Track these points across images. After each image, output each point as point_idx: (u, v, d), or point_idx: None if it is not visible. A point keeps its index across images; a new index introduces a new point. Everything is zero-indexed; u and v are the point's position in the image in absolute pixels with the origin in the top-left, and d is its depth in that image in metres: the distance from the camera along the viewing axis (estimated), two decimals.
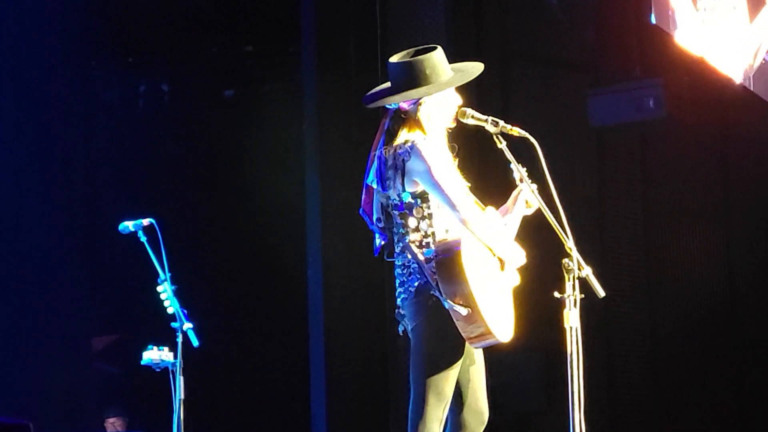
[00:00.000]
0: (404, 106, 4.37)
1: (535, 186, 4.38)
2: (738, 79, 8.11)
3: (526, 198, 4.48)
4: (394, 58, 4.38)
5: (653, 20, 7.47)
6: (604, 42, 8.49)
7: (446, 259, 4.15)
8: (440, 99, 4.35)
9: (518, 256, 4.39)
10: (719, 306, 8.85)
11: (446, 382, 4.20)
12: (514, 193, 4.52)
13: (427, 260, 4.20)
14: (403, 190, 4.26)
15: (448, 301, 4.12)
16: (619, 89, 8.20)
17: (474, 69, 4.46)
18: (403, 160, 4.24)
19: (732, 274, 8.93)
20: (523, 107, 8.11)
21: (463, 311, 4.11)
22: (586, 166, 8.49)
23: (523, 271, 4.51)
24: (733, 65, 8.08)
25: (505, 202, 4.60)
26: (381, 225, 4.34)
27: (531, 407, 8.00)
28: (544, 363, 7.95)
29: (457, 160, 4.41)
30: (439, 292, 4.14)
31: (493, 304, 4.20)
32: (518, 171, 4.34)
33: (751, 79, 8.22)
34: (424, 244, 4.23)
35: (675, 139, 8.56)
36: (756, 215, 8.91)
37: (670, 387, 8.62)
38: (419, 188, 4.25)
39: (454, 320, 4.14)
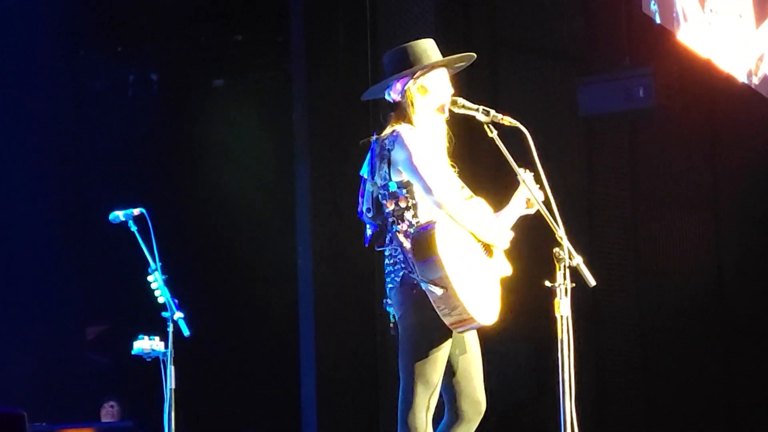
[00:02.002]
0: (395, 96, 4.39)
1: (524, 175, 4.38)
2: (741, 78, 8.14)
3: (527, 197, 4.43)
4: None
5: (658, 20, 7.50)
6: (594, 31, 8.50)
7: (420, 239, 4.17)
8: (427, 85, 4.35)
9: (501, 239, 4.37)
10: (708, 294, 8.87)
11: (433, 370, 4.21)
12: (515, 193, 4.47)
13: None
14: (390, 180, 4.28)
15: (424, 281, 4.13)
16: (608, 78, 8.21)
17: (462, 57, 4.46)
18: (388, 149, 4.27)
19: (720, 262, 8.96)
20: (512, 96, 8.11)
21: (438, 291, 4.11)
22: (576, 155, 8.50)
23: (513, 259, 4.51)
24: (735, 65, 8.12)
25: (496, 194, 4.59)
26: (370, 215, 4.35)
27: (521, 395, 8.02)
28: (533, 351, 7.97)
29: (450, 156, 4.42)
30: (416, 273, 4.15)
31: (473, 286, 4.19)
32: (525, 170, 4.32)
33: (755, 87, 8.25)
34: (409, 233, 4.24)
35: (664, 128, 8.58)
36: (744, 204, 8.94)
37: (659, 374, 8.65)
38: (404, 177, 4.27)
39: (432, 303, 4.14)
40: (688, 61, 8.16)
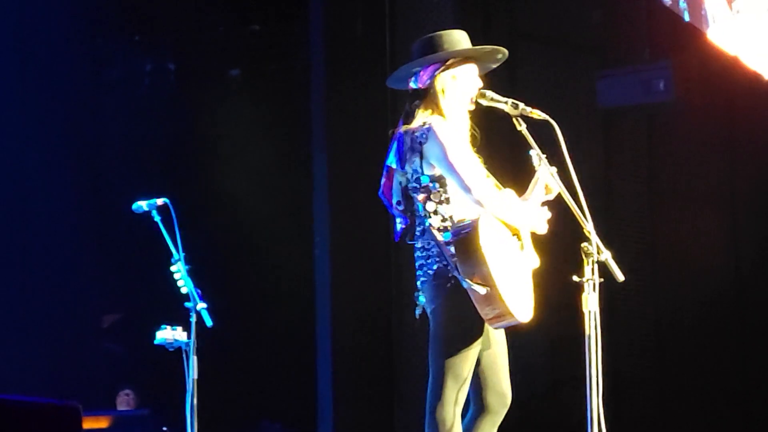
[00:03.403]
0: (422, 82, 4.34)
1: (554, 169, 4.36)
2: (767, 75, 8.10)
3: (546, 183, 4.42)
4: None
5: (687, 18, 7.47)
6: (614, 23, 8.46)
7: (464, 239, 4.15)
8: (457, 74, 4.33)
9: (540, 222, 4.36)
10: (725, 290, 8.84)
11: (464, 364, 4.19)
12: (534, 180, 4.46)
13: (447, 243, 4.19)
14: (422, 173, 4.24)
15: (467, 280, 4.11)
16: (628, 71, 8.18)
17: (495, 51, 4.44)
18: (420, 142, 4.23)
19: (738, 257, 8.93)
20: (530, 88, 8.07)
21: (482, 290, 4.10)
22: (593, 147, 8.47)
23: (538, 253, 4.49)
24: (763, 62, 8.08)
25: (517, 185, 4.57)
26: (401, 208, 4.32)
27: (536, 389, 8.01)
28: (550, 344, 7.96)
29: (475, 148, 4.40)
30: (458, 272, 4.12)
31: (512, 284, 4.18)
32: (539, 155, 4.31)
33: None
34: (442, 227, 4.22)
35: (683, 122, 8.54)
36: (763, 199, 8.90)
37: (675, 371, 8.62)
38: (437, 171, 4.24)
39: (473, 301, 4.12)
40: (708, 55, 8.12)
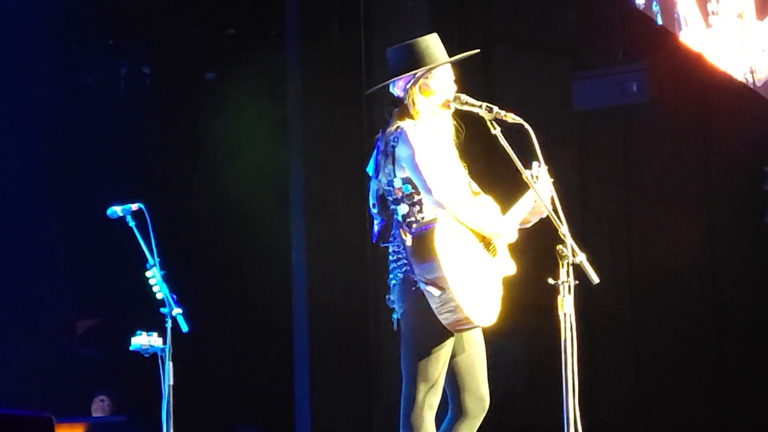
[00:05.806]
0: (398, 92, 4.38)
1: (528, 172, 4.37)
2: (739, 76, 8.17)
3: (536, 199, 4.38)
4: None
5: (660, 21, 7.53)
6: (588, 26, 8.51)
7: (420, 240, 4.16)
8: (430, 84, 4.34)
9: (505, 232, 4.35)
10: (701, 288, 8.89)
11: (435, 367, 4.19)
12: (526, 195, 4.44)
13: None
14: (395, 176, 4.26)
15: (422, 281, 4.12)
16: (602, 73, 8.23)
17: (463, 53, 4.47)
18: (393, 146, 4.26)
19: (713, 256, 8.98)
20: (506, 91, 8.10)
21: (436, 292, 4.10)
22: (569, 149, 8.50)
23: (514, 255, 4.50)
24: (734, 65, 8.15)
25: (504, 191, 4.56)
26: (376, 210, 4.34)
27: (513, 390, 8.02)
28: (527, 347, 7.97)
29: (458, 145, 4.41)
30: (414, 273, 4.14)
31: (472, 287, 4.17)
32: (517, 161, 4.30)
33: (757, 86, 8.29)
34: (412, 230, 4.23)
35: (657, 123, 8.59)
36: (737, 199, 8.96)
37: (651, 370, 8.66)
38: (408, 174, 4.26)
39: (429, 302, 4.12)
40: (681, 57, 8.18)
